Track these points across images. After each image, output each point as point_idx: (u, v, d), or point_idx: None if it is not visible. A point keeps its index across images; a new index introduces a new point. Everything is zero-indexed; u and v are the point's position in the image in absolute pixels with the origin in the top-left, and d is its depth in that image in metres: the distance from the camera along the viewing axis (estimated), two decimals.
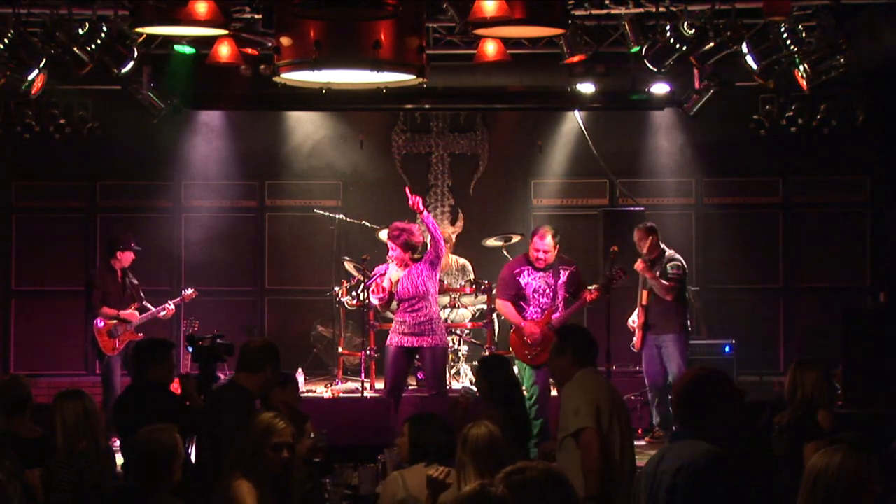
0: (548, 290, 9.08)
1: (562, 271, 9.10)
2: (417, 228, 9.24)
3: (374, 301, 9.35)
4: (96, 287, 10.37)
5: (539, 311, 9.06)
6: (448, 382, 10.41)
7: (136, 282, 10.59)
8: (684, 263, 9.96)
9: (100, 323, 10.30)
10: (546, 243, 9.04)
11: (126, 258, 10.44)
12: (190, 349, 6.83)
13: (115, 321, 10.29)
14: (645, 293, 9.86)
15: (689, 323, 10.00)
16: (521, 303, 9.13)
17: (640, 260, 9.74)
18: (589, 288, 9.12)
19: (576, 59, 9.55)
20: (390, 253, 9.07)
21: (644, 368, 10.03)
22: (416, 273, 8.91)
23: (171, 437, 4.89)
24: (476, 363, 10.98)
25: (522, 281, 9.11)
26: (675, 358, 9.76)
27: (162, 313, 10.64)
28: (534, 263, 9.09)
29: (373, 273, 9.39)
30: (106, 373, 10.34)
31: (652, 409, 10.03)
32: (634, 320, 9.97)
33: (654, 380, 9.96)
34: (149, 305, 10.61)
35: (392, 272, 9.04)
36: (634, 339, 9.96)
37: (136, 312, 10.42)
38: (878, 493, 3.78)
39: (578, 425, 5.62)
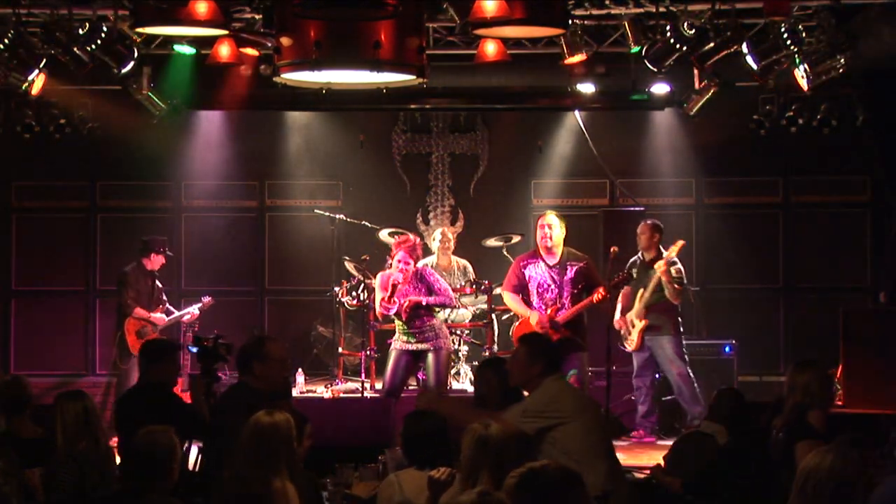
0: (552, 286, 9.01)
1: (569, 267, 9.03)
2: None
3: (379, 308, 9.21)
4: (130, 286, 10.39)
5: (543, 306, 9.02)
6: (448, 383, 10.43)
7: (160, 285, 10.65)
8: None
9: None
10: (545, 220, 9.02)
11: (158, 261, 10.54)
12: (194, 350, 6.84)
13: (144, 322, 10.34)
14: (644, 293, 9.86)
15: (681, 323, 10.04)
16: (525, 297, 9.11)
17: (663, 261, 9.73)
18: (598, 289, 9.00)
19: (576, 59, 9.55)
20: (400, 266, 8.95)
21: (635, 370, 10.06)
22: (415, 291, 8.93)
23: (168, 438, 4.90)
24: (476, 363, 11.01)
25: (527, 273, 9.06)
26: (675, 360, 9.80)
27: (186, 317, 10.71)
28: (542, 252, 9.03)
29: (392, 282, 9.00)
30: (125, 373, 10.35)
31: (639, 407, 10.10)
32: (632, 320, 9.94)
33: (644, 380, 10.01)
34: (172, 309, 10.71)
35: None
36: (631, 338, 9.95)
37: (164, 316, 10.47)
38: (868, 493, 3.79)
39: (514, 422, 5.66)
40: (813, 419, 5.74)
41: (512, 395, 6.40)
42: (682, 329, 10.00)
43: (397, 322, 9.07)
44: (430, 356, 9.01)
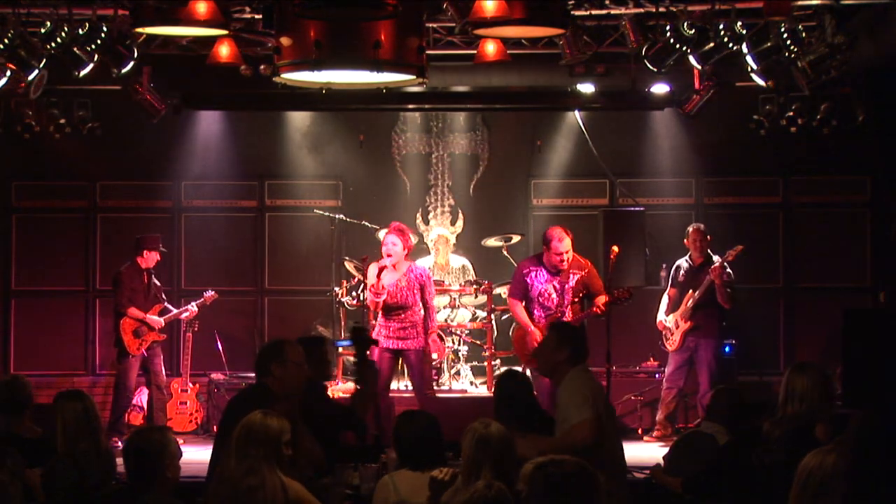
0: (553, 295, 8.98)
1: (571, 275, 9.00)
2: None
3: (369, 296, 9.18)
4: (124, 286, 10.38)
5: (543, 314, 9.00)
6: (448, 383, 10.45)
7: (158, 283, 10.66)
8: None
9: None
10: (565, 245, 8.97)
11: (152, 258, 10.50)
12: (347, 343, 6.74)
13: (140, 322, 10.34)
14: (692, 294, 9.93)
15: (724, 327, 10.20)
16: (527, 304, 9.08)
17: (717, 265, 9.82)
18: (598, 301, 8.98)
19: (576, 59, 9.56)
20: (390, 248, 8.97)
21: (670, 369, 10.09)
22: (408, 285, 8.92)
23: (162, 436, 4.89)
24: (476, 363, 11.03)
25: (529, 281, 9.05)
26: (710, 363, 9.86)
27: (185, 314, 10.71)
28: (553, 266, 9.00)
29: (379, 265, 9.09)
30: (123, 372, 10.34)
31: (662, 407, 10.09)
32: (676, 320, 9.99)
33: (676, 381, 10.03)
34: (170, 307, 10.70)
35: (385, 276, 9.00)
36: (673, 338, 9.99)
37: (159, 316, 10.45)
38: None
39: (583, 416, 5.69)
40: (819, 433, 5.66)
41: (529, 416, 6.26)
42: (722, 332, 10.16)
43: (379, 319, 9.04)
44: (412, 356, 9.00)
